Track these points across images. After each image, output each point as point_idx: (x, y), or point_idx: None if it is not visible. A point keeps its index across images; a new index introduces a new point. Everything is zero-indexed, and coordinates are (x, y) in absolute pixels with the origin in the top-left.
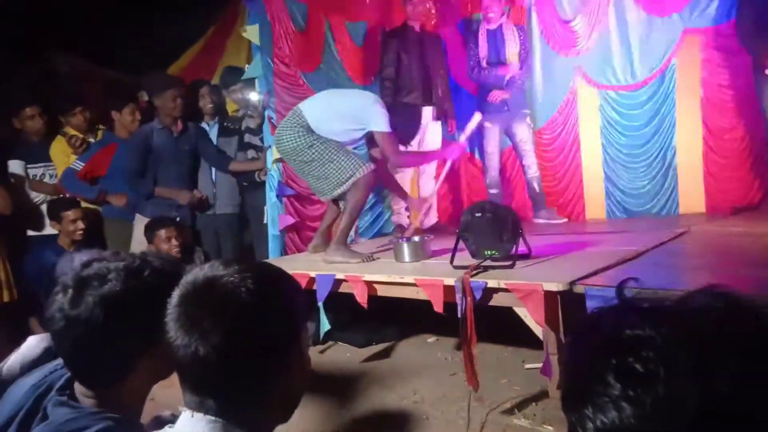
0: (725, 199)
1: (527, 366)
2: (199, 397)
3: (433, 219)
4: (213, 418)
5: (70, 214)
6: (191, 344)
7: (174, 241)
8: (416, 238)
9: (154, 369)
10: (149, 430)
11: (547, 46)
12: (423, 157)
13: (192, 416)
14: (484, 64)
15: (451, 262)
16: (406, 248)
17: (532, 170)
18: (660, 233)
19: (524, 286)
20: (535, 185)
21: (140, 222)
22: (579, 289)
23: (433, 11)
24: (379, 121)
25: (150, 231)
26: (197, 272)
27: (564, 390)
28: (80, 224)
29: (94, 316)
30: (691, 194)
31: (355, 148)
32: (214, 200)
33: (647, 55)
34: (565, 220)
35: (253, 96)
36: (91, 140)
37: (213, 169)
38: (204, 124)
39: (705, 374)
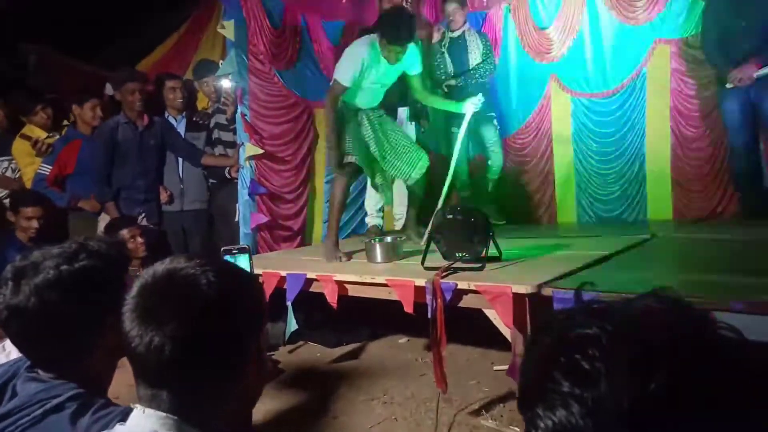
0: (691, 207)
1: (496, 367)
2: (152, 391)
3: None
4: (165, 414)
5: (28, 211)
6: (147, 335)
7: (139, 239)
8: (388, 239)
9: (111, 347)
10: None
11: (522, 51)
12: None
13: (144, 412)
14: (452, 75)
15: (422, 263)
16: (378, 248)
17: (493, 171)
18: (627, 238)
19: (493, 288)
20: (489, 185)
21: (105, 219)
22: (547, 291)
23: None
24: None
25: (112, 232)
26: (158, 265)
27: (519, 390)
28: (34, 223)
29: (31, 305)
30: (659, 201)
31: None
32: (182, 196)
33: (619, 64)
34: (504, 222)
35: (225, 84)
36: (56, 137)
37: (180, 164)
38: (171, 119)
39: (644, 372)
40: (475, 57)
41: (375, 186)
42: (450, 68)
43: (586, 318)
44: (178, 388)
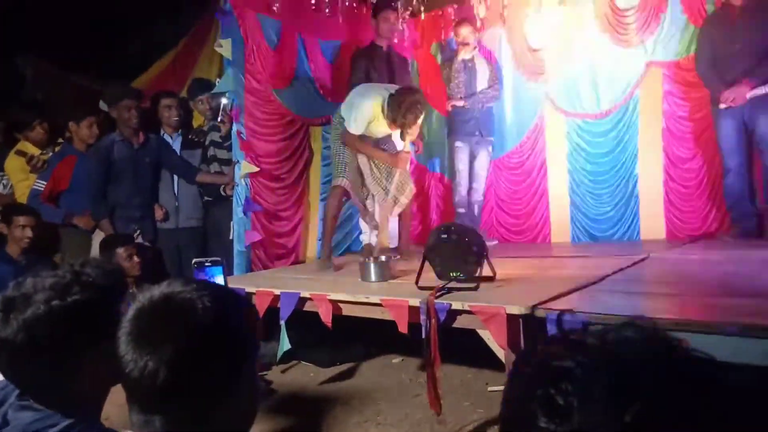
0: (684, 227)
1: (490, 388)
2: (145, 416)
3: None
4: None
5: (21, 219)
6: (142, 359)
7: (135, 259)
8: (383, 258)
9: (104, 374)
10: None
11: (516, 72)
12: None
13: None
14: (460, 95)
15: (417, 282)
16: (372, 268)
17: (478, 194)
18: (621, 259)
19: (487, 309)
20: (476, 208)
21: (99, 235)
22: (540, 313)
23: (405, 33)
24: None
25: (107, 249)
26: (154, 288)
27: (500, 421)
28: (28, 232)
29: (19, 339)
30: (652, 221)
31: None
32: (177, 213)
33: (612, 86)
34: (496, 242)
35: (224, 101)
36: (50, 154)
37: (175, 182)
38: (166, 137)
39: (617, 405)
40: (482, 81)
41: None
42: (461, 88)
43: (563, 350)
44: (172, 413)
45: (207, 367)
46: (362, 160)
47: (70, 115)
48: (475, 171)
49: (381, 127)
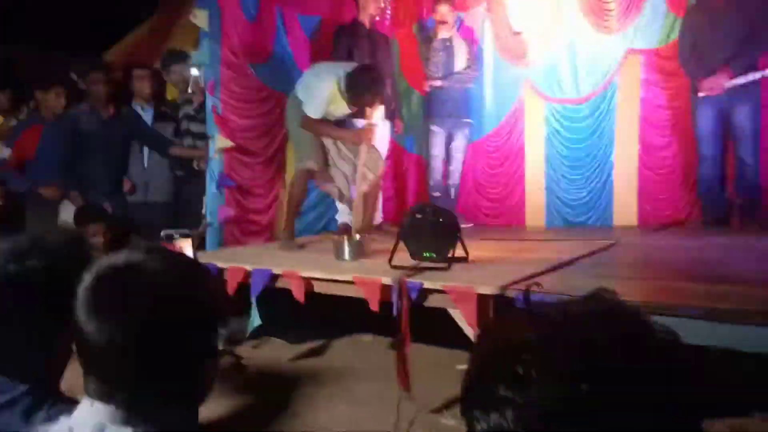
0: (656, 214)
1: (459, 367)
2: (103, 386)
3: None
4: (114, 408)
5: None
6: (99, 327)
7: (103, 236)
8: (357, 237)
9: (60, 342)
10: None
11: (498, 55)
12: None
13: (92, 405)
14: (438, 75)
15: (390, 261)
16: (346, 246)
17: (455, 177)
18: (592, 243)
19: (459, 289)
20: (452, 191)
21: (67, 206)
22: (511, 293)
23: (387, 11)
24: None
25: (78, 224)
26: (115, 257)
27: (461, 392)
28: None
29: None
30: (625, 208)
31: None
32: (147, 188)
33: (592, 72)
34: (471, 224)
35: (193, 73)
36: (14, 122)
37: (146, 156)
38: (138, 109)
39: (574, 376)
40: (460, 61)
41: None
42: (438, 68)
43: (525, 322)
44: (129, 382)
45: (165, 335)
46: (326, 139)
47: (34, 86)
48: (452, 154)
49: (340, 108)
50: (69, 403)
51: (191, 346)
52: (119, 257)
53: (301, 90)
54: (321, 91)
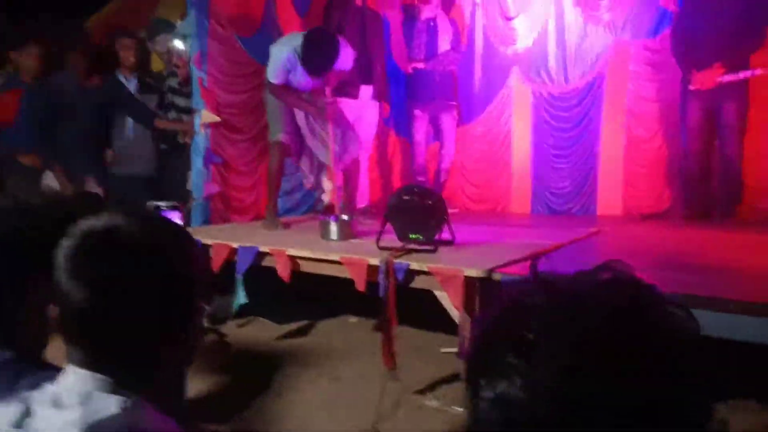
0: (639, 205)
1: (443, 350)
2: (87, 354)
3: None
4: (99, 376)
5: None
6: (80, 291)
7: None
8: (344, 217)
9: (44, 307)
10: None
11: (488, 40)
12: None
13: (75, 374)
14: (420, 57)
15: (377, 242)
16: (332, 227)
17: (446, 160)
18: (575, 231)
19: (445, 271)
20: (442, 175)
21: (49, 176)
22: (497, 276)
23: None
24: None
25: (74, 211)
26: (94, 221)
27: (467, 361)
28: None
29: None
30: (609, 197)
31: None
32: (129, 159)
33: (581, 61)
34: (456, 210)
35: (179, 45)
36: None
37: (129, 127)
38: (122, 78)
39: (581, 345)
40: (444, 42)
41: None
42: (420, 49)
43: (534, 289)
44: (115, 350)
45: (146, 298)
46: (299, 117)
47: (6, 47)
48: (442, 136)
49: (303, 79)
50: (55, 371)
51: (174, 309)
52: (99, 221)
53: (270, 57)
54: (276, 55)
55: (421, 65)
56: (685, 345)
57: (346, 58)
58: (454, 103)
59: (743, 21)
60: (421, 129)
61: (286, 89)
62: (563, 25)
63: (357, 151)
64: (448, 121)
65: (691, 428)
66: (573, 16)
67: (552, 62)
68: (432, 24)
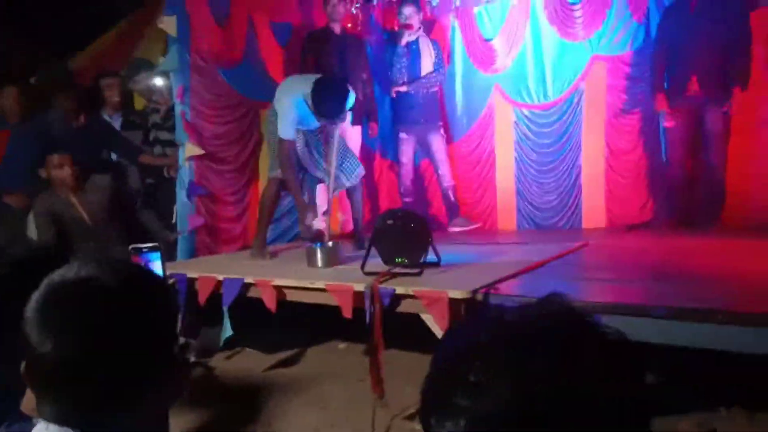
0: (623, 216)
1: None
2: (60, 407)
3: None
4: (69, 430)
5: None
6: (55, 348)
7: (67, 169)
8: (330, 244)
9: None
10: None
11: (468, 61)
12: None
13: (47, 428)
14: (402, 80)
15: (362, 268)
16: (319, 254)
17: (446, 179)
18: (561, 246)
19: (430, 294)
20: (450, 194)
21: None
22: (481, 297)
23: (359, 17)
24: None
25: (48, 158)
26: (66, 272)
27: (421, 399)
28: None
29: None
30: (594, 210)
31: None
32: None
33: (559, 77)
34: (479, 224)
35: (158, 82)
36: None
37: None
38: (106, 116)
39: (522, 382)
40: (426, 64)
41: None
42: (402, 73)
43: (480, 327)
44: (86, 401)
45: (117, 350)
46: (299, 145)
47: None
48: (435, 158)
49: (313, 121)
50: (28, 425)
51: (146, 359)
52: (69, 271)
53: (276, 104)
54: (288, 111)
55: (403, 89)
56: (624, 370)
57: (352, 97)
58: (440, 123)
59: (722, 37)
60: (407, 152)
61: (292, 159)
62: (541, 43)
63: (360, 175)
64: (437, 141)
65: None
66: (549, 33)
67: (531, 80)
68: (414, 47)
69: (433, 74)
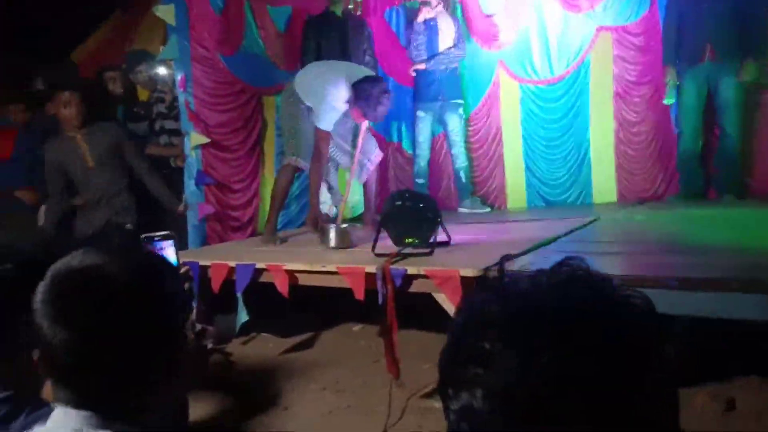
0: (633, 190)
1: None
2: (73, 392)
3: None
4: (89, 413)
5: None
6: (65, 337)
7: (73, 108)
8: (344, 225)
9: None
10: None
11: (471, 39)
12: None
13: (65, 413)
14: (420, 58)
15: (373, 249)
16: (332, 233)
17: (460, 160)
18: (572, 221)
19: (442, 272)
20: (462, 175)
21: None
22: (493, 274)
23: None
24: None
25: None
26: (70, 260)
27: (438, 368)
28: None
29: None
30: (604, 184)
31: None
32: None
33: (564, 51)
34: (489, 209)
35: (161, 71)
36: None
37: None
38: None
39: (537, 349)
40: (445, 40)
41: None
42: (420, 51)
43: (493, 296)
44: (98, 385)
45: (129, 335)
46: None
47: None
48: (450, 138)
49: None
50: (48, 410)
51: (156, 343)
52: (74, 260)
53: (303, 90)
54: (336, 104)
55: (422, 66)
56: (643, 334)
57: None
58: (460, 101)
59: (738, 3)
60: (424, 131)
61: (326, 151)
62: (544, 17)
63: (378, 158)
64: (453, 120)
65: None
66: (552, 7)
67: (536, 54)
68: (432, 23)
69: (453, 49)
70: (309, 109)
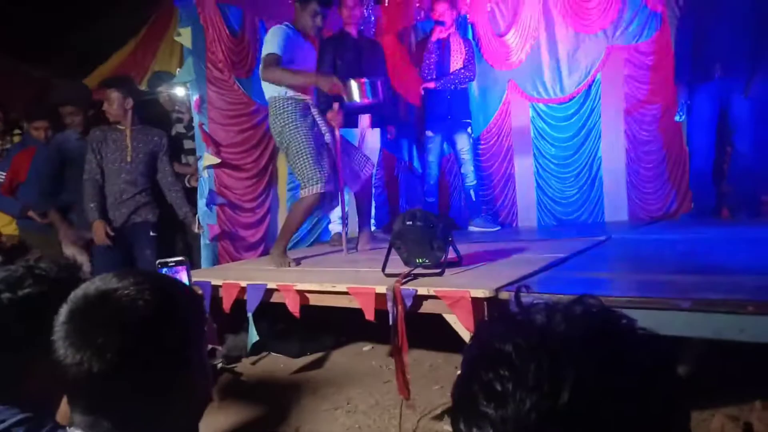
0: (645, 208)
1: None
2: (92, 417)
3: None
4: None
5: None
6: (84, 362)
7: (75, 118)
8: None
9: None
10: None
11: (482, 58)
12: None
13: None
14: (431, 77)
15: (383, 269)
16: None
17: (469, 179)
18: (583, 241)
19: (453, 293)
20: (472, 194)
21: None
22: (504, 295)
23: (372, 18)
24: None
25: (57, 102)
26: (88, 286)
27: (452, 401)
28: None
29: None
30: (615, 203)
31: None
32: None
33: (574, 70)
34: (498, 228)
35: (180, 92)
36: (8, 146)
37: None
38: None
39: (552, 387)
40: (456, 61)
41: None
42: (432, 69)
43: (506, 332)
44: (119, 412)
45: (149, 362)
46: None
47: (24, 112)
48: (459, 157)
49: (304, 62)
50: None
51: (174, 367)
52: (91, 286)
53: (269, 89)
54: (274, 31)
55: (431, 85)
56: (656, 370)
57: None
58: (468, 120)
59: (750, 19)
60: (434, 150)
61: (282, 68)
62: (554, 36)
63: (369, 171)
64: (462, 140)
65: None
66: (563, 26)
67: (547, 74)
68: (444, 43)
69: (463, 70)
70: (288, 111)
